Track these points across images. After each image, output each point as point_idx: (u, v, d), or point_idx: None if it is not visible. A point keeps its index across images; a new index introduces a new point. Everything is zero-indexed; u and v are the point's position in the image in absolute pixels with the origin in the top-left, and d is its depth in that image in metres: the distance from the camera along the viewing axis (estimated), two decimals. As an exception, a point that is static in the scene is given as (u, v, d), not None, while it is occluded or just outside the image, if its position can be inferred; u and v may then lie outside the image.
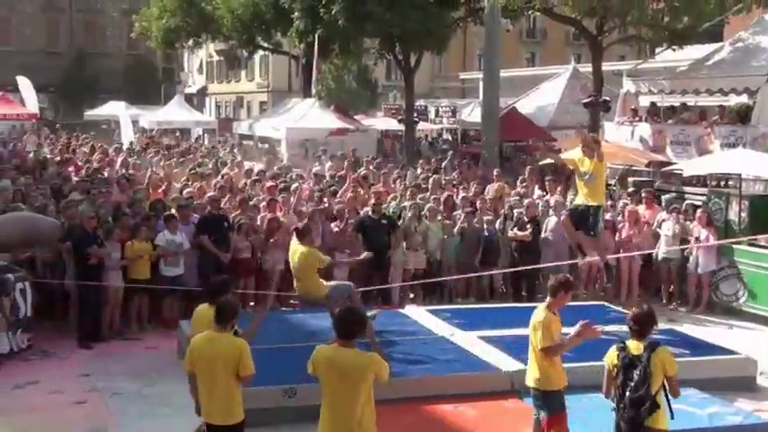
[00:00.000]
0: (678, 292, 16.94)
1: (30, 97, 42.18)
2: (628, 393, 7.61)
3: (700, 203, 17.97)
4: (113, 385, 11.69)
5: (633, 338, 7.81)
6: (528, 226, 16.70)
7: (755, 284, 15.82)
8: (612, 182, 22.32)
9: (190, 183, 18.96)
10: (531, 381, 8.75)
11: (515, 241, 16.71)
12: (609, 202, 17.87)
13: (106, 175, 20.71)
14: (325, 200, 17.59)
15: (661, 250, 16.82)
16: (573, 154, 12.35)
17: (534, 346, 8.60)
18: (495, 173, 22.00)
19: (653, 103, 24.46)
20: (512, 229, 16.75)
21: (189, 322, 13.15)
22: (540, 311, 8.59)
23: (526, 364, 11.16)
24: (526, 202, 17.54)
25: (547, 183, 19.83)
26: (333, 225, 16.26)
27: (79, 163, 23.75)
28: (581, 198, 12.15)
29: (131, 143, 33.12)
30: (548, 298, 8.67)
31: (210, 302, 8.49)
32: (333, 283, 12.99)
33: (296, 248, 12.44)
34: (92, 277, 13.51)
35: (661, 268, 17.14)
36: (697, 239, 16.33)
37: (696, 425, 9.91)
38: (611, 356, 7.84)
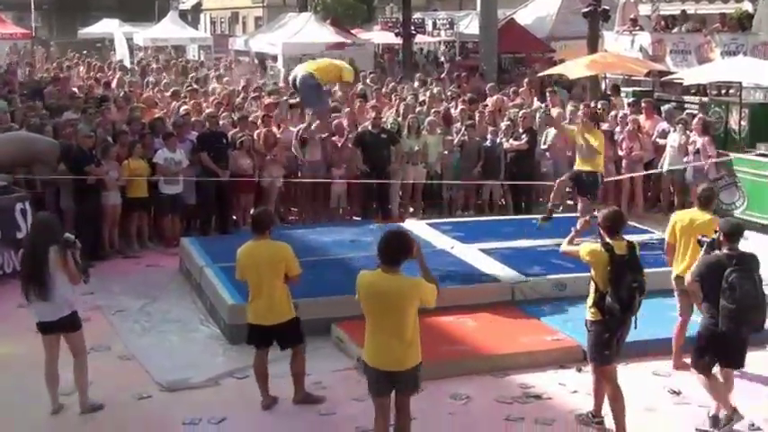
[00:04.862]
0: (681, 203, 16.94)
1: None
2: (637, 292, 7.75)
3: (698, 112, 17.87)
4: (116, 303, 11.76)
5: (609, 237, 7.88)
6: (523, 136, 16.63)
7: (754, 193, 15.81)
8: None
9: (187, 100, 18.82)
10: None
11: (512, 152, 16.65)
12: (612, 113, 17.79)
13: (101, 92, 20.59)
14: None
15: (666, 162, 16.72)
16: (573, 127, 14.06)
17: None
18: (488, 87, 21.82)
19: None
20: (507, 140, 16.69)
21: (189, 240, 13.34)
22: None
23: (526, 275, 11.35)
24: (522, 112, 17.45)
25: (548, 94, 19.70)
26: (333, 139, 16.18)
27: (79, 83, 23.61)
28: (578, 165, 13.48)
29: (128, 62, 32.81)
30: None
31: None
32: None
33: None
34: (90, 196, 13.53)
35: (664, 179, 17.09)
36: (697, 150, 16.25)
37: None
38: (599, 254, 7.85)
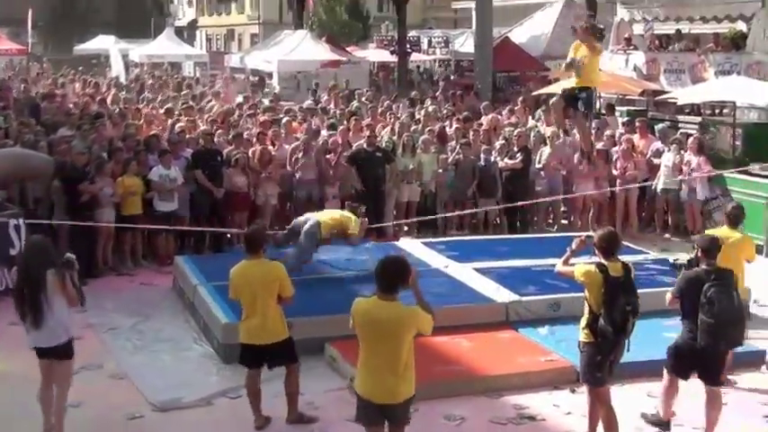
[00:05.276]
0: (675, 223, 16.94)
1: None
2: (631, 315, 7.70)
3: (693, 132, 17.91)
4: (108, 321, 11.71)
5: (604, 259, 7.87)
6: (518, 155, 16.63)
7: (748, 213, 15.72)
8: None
9: (182, 117, 18.80)
10: None
11: (506, 171, 16.64)
12: (607, 132, 17.76)
13: (96, 109, 20.56)
14: (323, 132, 17.56)
15: (660, 181, 16.73)
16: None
17: None
18: (482, 106, 21.85)
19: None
20: (502, 159, 16.68)
21: (183, 258, 13.29)
22: None
23: (520, 294, 11.32)
24: (516, 131, 17.45)
25: (542, 113, 19.71)
26: (328, 157, 16.16)
27: (75, 99, 23.60)
28: (574, 82, 12.96)
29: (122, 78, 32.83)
30: None
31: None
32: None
33: None
34: (84, 213, 13.48)
35: (658, 199, 17.08)
36: (692, 170, 16.26)
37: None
38: (594, 275, 7.82)
